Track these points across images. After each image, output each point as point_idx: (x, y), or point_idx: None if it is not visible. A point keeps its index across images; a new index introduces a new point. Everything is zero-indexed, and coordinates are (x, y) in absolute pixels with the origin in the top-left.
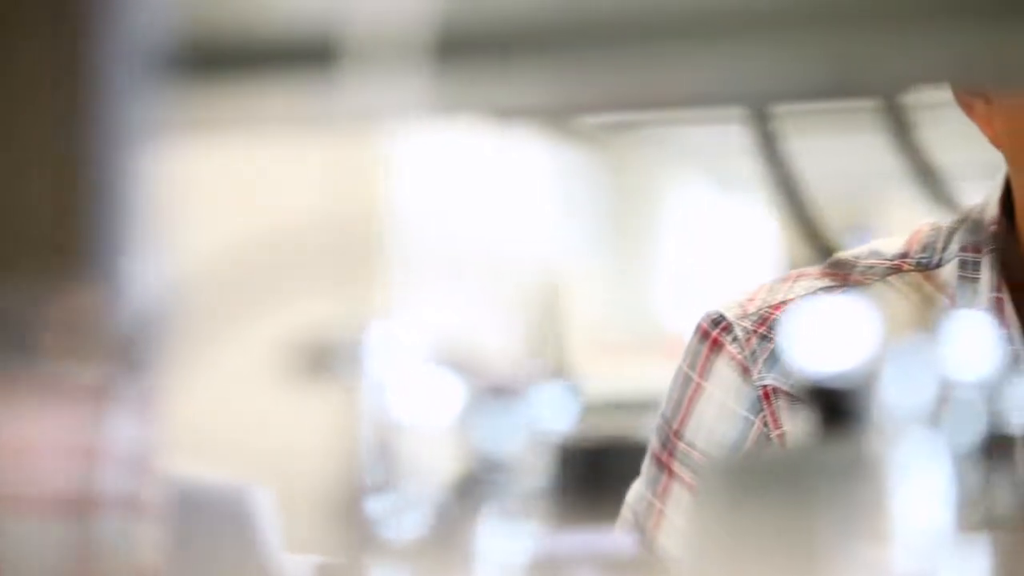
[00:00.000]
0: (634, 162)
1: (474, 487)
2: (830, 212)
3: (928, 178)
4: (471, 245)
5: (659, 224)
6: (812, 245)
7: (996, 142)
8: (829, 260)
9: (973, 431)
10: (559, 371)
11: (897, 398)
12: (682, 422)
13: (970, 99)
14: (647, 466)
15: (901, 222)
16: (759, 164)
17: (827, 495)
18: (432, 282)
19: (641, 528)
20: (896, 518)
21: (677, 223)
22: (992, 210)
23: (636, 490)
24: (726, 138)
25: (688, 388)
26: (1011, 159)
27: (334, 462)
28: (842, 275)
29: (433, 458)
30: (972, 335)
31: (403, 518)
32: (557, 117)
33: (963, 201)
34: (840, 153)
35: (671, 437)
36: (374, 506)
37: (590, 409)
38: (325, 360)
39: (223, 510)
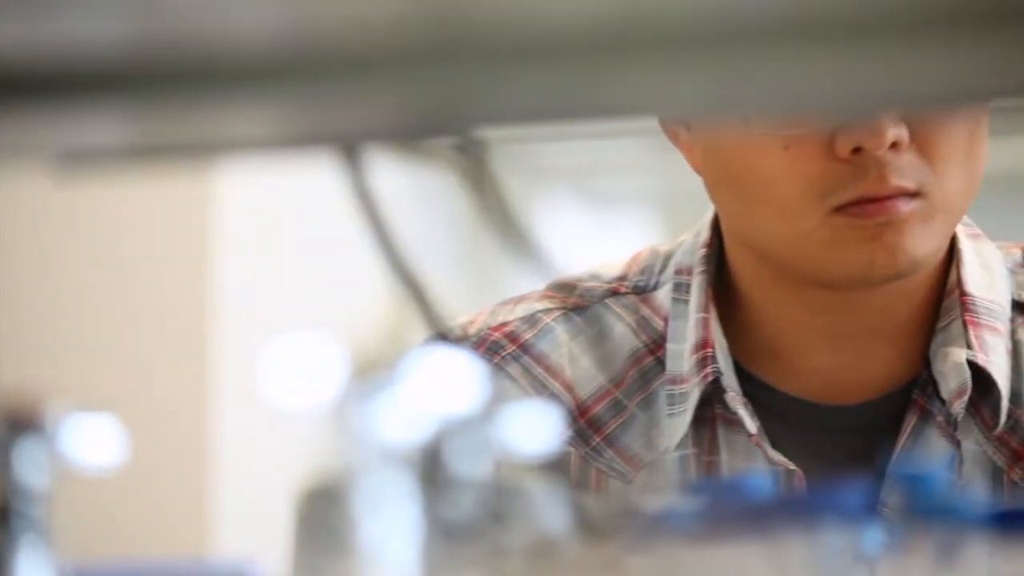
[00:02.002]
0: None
1: (7, 520)
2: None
3: (502, 219)
4: (320, 276)
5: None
6: (420, 311)
7: (697, 168)
8: (550, 282)
9: (478, 462)
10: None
11: (393, 433)
12: None
13: (675, 128)
14: None
15: None
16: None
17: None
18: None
19: None
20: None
21: (545, 240)
22: (705, 233)
23: None
24: (595, 154)
25: None
26: (710, 184)
27: None
28: (561, 297)
29: None
30: (460, 368)
31: None
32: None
33: (537, 243)
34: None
35: None
36: None
37: None
38: None
39: None
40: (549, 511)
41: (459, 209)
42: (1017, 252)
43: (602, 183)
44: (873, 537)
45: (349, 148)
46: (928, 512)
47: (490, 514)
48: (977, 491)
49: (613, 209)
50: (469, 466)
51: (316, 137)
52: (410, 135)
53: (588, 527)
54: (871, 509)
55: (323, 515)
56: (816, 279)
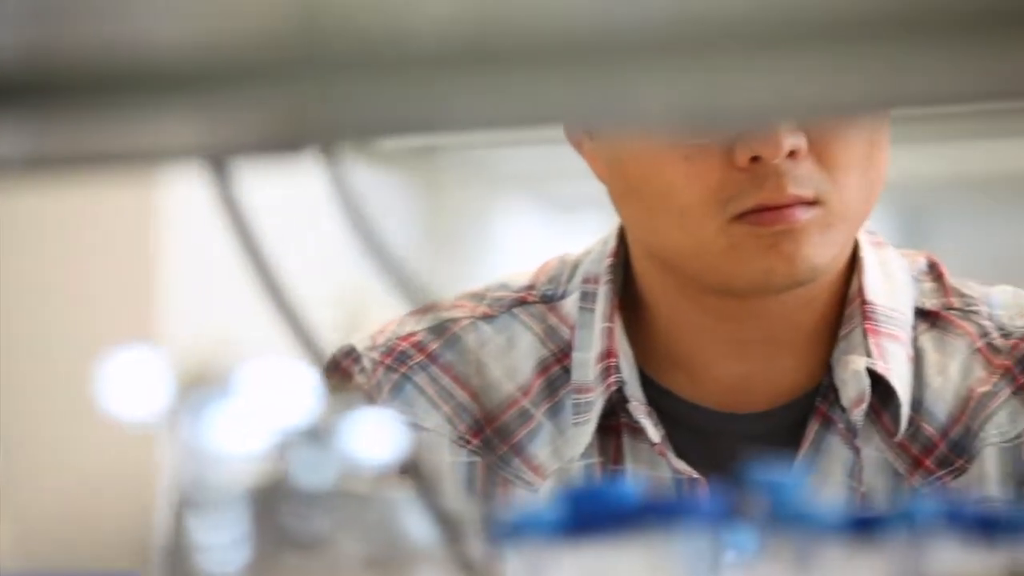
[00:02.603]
0: (448, 185)
1: None
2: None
3: (365, 232)
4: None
5: (475, 247)
6: (296, 336)
7: (601, 177)
8: (460, 293)
9: (324, 472)
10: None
11: (238, 445)
12: None
13: (579, 137)
14: None
15: None
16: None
17: None
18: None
19: None
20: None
21: (496, 245)
22: (611, 242)
23: None
24: (553, 160)
25: None
26: (613, 192)
27: None
28: (470, 306)
29: None
30: (307, 379)
31: None
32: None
33: (399, 257)
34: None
35: None
36: None
37: None
38: None
39: None
40: (406, 518)
41: (407, 214)
42: (922, 260)
43: (560, 188)
44: (736, 542)
45: (216, 160)
46: (785, 518)
47: (337, 524)
48: (877, 497)
49: (572, 214)
50: (315, 476)
51: (186, 149)
52: (277, 147)
53: (452, 533)
54: (739, 514)
55: (175, 528)
56: (717, 287)
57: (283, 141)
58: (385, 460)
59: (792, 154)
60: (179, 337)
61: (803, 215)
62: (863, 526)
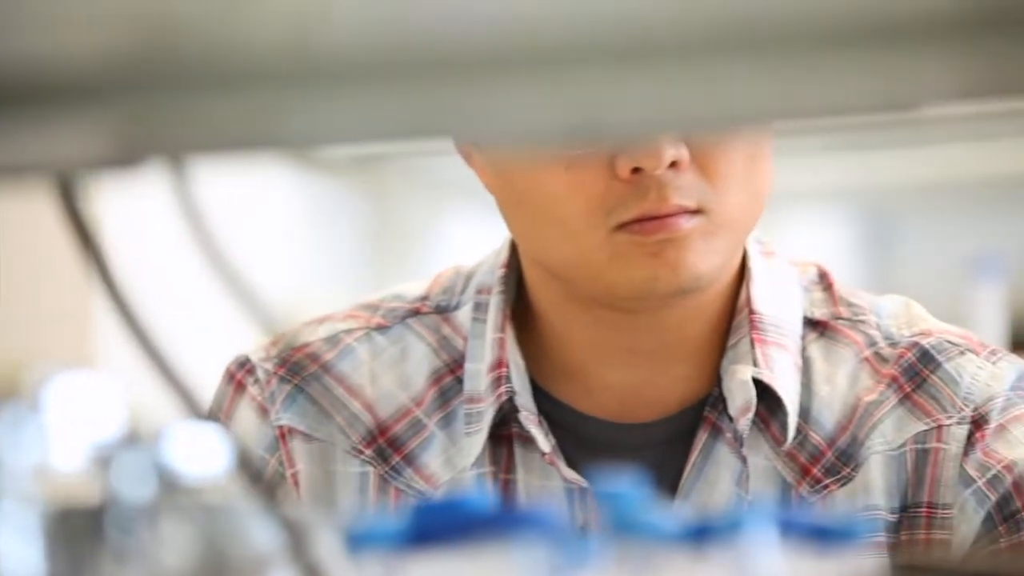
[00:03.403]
0: (394, 192)
1: None
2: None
3: (208, 245)
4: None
5: (422, 253)
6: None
7: (489, 187)
8: (355, 304)
9: (144, 485)
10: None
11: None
12: None
13: (468, 149)
14: None
15: None
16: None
17: None
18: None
19: None
20: None
21: (441, 250)
22: (504, 253)
23: None
24: None
25: None
26: (500, 203)
27: None
28: (364, 317)
29: None
30: (116, 394)
31: None
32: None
33: (241, 271)
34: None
35: None
36: None
37: None
38: None
39: None
40: (241, 527)
41: (354, 221)
42: (812, 269)
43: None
44: (578, 552)
45: (62, 176)
46: (627, 527)
47: (162, 536)
48: (764, 505)
49: None
50: (138, 489)
51: (28, 165)
52: (121, 162)
53: (294, 540)
54: (585, 524)
55: None
56: (602, 297)
57: (126, 155)
58: (216, 469)
59: (674, 165)
60: (117, 355)
61: (686, 223)
62: (702, 535)
